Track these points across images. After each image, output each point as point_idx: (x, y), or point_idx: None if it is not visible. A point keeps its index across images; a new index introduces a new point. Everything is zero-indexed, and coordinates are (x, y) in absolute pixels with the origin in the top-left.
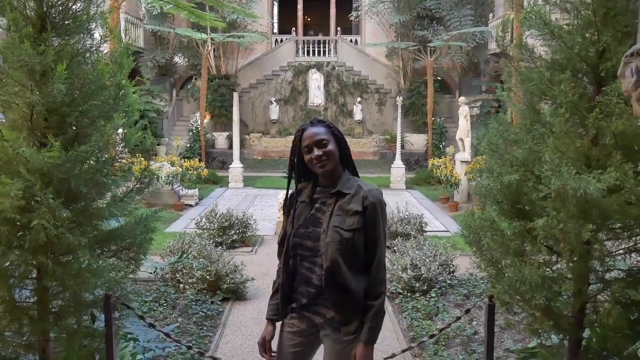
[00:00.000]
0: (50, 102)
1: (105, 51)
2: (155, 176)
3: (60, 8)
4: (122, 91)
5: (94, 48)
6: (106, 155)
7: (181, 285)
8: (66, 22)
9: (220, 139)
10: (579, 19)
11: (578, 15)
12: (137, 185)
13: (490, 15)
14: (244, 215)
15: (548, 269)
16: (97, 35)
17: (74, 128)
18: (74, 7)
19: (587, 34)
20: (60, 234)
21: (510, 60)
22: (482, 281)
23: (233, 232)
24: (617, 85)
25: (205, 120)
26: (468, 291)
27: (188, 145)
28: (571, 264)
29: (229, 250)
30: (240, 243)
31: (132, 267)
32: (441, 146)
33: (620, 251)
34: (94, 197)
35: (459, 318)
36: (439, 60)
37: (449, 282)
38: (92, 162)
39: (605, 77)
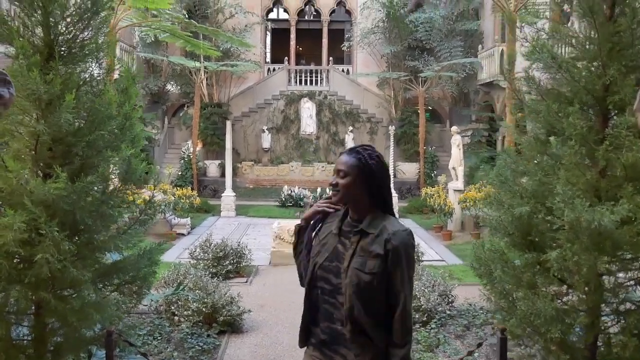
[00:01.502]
0: (56, 131)
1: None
2: (161, 207)
3: (69, 37)
4: (129, 121)
5: (101, 77)
6: (112, 187)
7: (176, 318)
8: (73, 51)
9: (212, 167)
10: (584, 53)
11: (583, 50)
12: (142, 217)
13: (480, 46)
14: (238, 245)
15: (560, 301)
16: (104, 64)
17: (80, 158)
18: (81, 35)
19: (592, 68)
20: (63, 268)
21: (517, 92)
22: (481, 312)
23: (228, 262)
24: (625, 118)
25: (197, 148)
26: (468, 322)
27: (180, 173)
28: (584, 296)
29: (224, 281)
30: (235, 273)
31: (134, 301)
32: (433, 175)
33: (632, 282)
34: (99, 229)
35: (471, 353)
36: (430, 90)
37: (448, 312)
38: (97, 193)
39: (610, 110)
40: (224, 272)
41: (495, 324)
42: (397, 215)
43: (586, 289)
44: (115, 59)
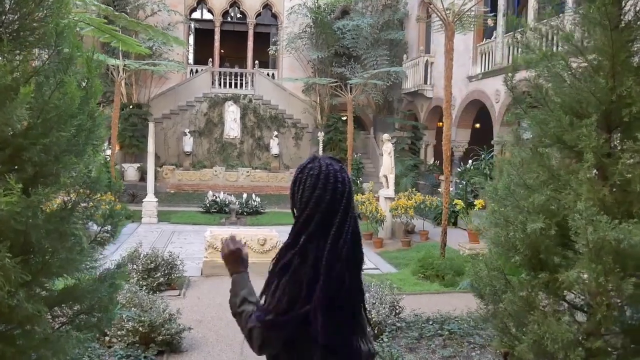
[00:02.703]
0: (1, 131)
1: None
2: (122, 220)
3: (15, 17)
4: (95, 121)
5: (61, 67)
6: (74, 200)
7: (107, 339)
8: (22, 34)
9: (130, 170)
10: (595, 64)
11: (595, 60)
12: (101, 234)
13: (404, 56)
14: (170, 256)
15: (570, 324)
16: (65, 51)
17: (33, 165)
18: (31, 16)
19: (603, 79)
20: (15, 302)
21: (521, 103)
22: (430, 323)
23: (159, 274)
24: None
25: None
26: (419, 334)
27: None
28: (602, 318)
29: (155, 294)
30: (166, 286)
31: (92, 335)
32: (359, 182)
33: None
34: (57, 252)
35: None
36: (356, 97)
37: (397, 324)
38: (56, 208)
39: (624, 122)
40: (155, 284)
41: (495, 347)
42: None
43: (607, 310)
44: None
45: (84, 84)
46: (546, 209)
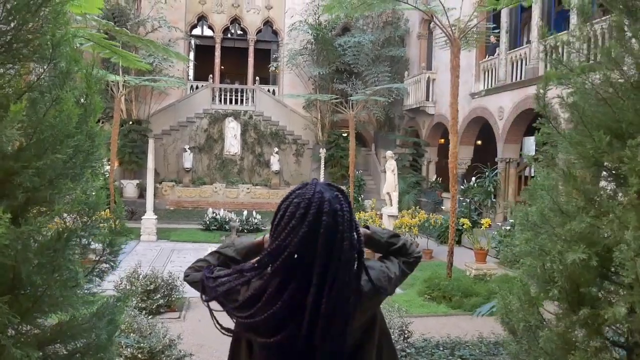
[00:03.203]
0: None
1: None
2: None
3: (8, 28)
4: (94, 142)
5: (57, 81)
6: (70, 229)
7: None
8: (15, 46)
9: (129, 187)
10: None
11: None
12: (98, 265)
13: (406, 73)
14: (169, 276)
15: None
16: (61, 64)
17: (24, 191)
18: (25, 27)
19: None
20: (1, 349)
21: (551, 121)
22: (441, 349)
23: (159, 295)
24: None
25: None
26: None
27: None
28: None
29: (154, 317)
30: (166, 308)
31: None
32: (360, 199)
33: None
34: (50, 286)
35: None
36: (357, 114)
37: (407, 350)
38: (50, 240)
39: None
40: (154, 306)
41: None
42: None
43: None
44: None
45: (82, 100)
46: (585, 238)
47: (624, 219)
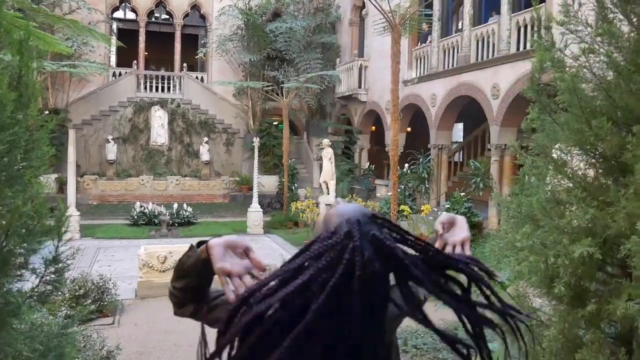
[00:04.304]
0: None
1: None
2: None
3: None
4: (35, 135)
5: None
6: (6, 249)
7: None
8: None
9: (47, 181)
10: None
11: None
12: (39, 287)
13: (337, 60)
14: (101, 279)
15: None
16: None
17: None
18: None
19: None
20: None
21: (546, 107)
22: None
23: (89, 300)
24: None
25: None
26: None
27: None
28: None
29: (86, 325)
30: (98, 313)
31: None
32: (293, 188)
33: None
34: None
35: None
36: (290, 101)
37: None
38: None
39: None
40: (84, 312)
41: None
42: (262, 232)
43: None
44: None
45: (15, 82)
46: (589, 230)
47: (631, 209)
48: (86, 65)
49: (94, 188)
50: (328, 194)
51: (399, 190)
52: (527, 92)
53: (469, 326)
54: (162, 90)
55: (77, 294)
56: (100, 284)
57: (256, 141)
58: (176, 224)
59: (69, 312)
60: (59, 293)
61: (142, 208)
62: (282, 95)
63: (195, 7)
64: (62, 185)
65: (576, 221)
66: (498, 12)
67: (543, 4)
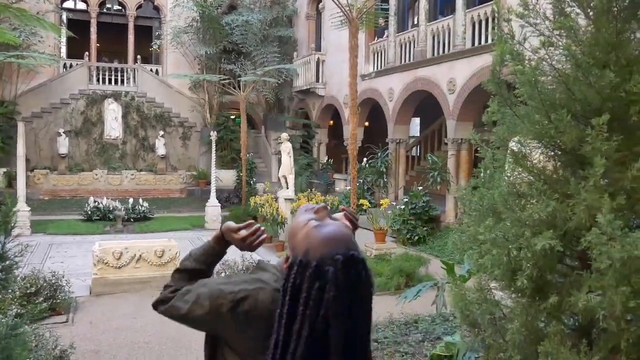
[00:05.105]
0: None
1: None
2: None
3: None
4: None
5: None
6: None
7: None
8: None
9: None
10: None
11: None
12: None
13: (295, 54)
14: (53, 276)
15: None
16: None
17: None
18: None
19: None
20: None
21: (507, 100)
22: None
23: (41, 298)
24: None
25: None
26: None
27: None
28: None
29: (38, 324)
30: (50, 311)
31: None
32: (252, 182)
33: None
34: None
35: None
36: (247, 95)
37: None
38: None
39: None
40: (36, 311)
41: None
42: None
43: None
44: None
45: None
46: (550, 223)
47: (591, 201)
48: (35, 56)
49: (45, 183)
50: (287, 188)
51: (357, 184)
52: (487, 84)
53: None
54: (116, 82)
55: (28, 291)
56: (53, 281)
57: (213, 135)
58: (132, 219)
59: (19, 311)
60: (9, 291)
61: (96, 203)
62: (239, 89)
63: None
64: (11, 179)
65: (537, 214)
66: (453, 8)
67: None
